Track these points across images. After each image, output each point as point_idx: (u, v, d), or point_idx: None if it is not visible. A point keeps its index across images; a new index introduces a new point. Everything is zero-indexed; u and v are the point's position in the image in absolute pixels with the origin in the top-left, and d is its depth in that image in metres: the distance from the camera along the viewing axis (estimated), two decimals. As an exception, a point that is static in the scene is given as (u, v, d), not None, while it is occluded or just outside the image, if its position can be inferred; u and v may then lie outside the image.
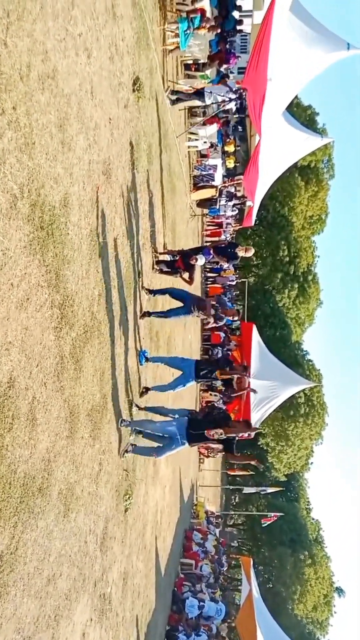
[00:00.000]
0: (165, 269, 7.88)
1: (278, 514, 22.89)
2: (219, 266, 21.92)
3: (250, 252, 9.16)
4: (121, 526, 5.68)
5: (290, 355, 32.76)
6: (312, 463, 42.08)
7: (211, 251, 8.66)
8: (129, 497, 5.93)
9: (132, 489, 6.19)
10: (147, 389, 6.95)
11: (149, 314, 7.14)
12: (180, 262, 7.71)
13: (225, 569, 18.32)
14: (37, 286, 3.28)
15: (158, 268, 7.90)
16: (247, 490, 19.58)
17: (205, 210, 17.45)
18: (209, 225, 20.86)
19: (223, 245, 9.70)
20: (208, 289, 21.41)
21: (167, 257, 8.19)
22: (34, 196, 3.23)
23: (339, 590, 44.78)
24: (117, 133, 5.59)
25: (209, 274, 21.81)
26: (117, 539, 5.47)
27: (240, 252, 9.07)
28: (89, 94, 4.50)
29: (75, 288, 4.06)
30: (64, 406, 3.74)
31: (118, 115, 5.68)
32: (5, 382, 2.83)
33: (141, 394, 6.78)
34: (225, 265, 20.85)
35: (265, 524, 24.66)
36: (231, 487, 37.61)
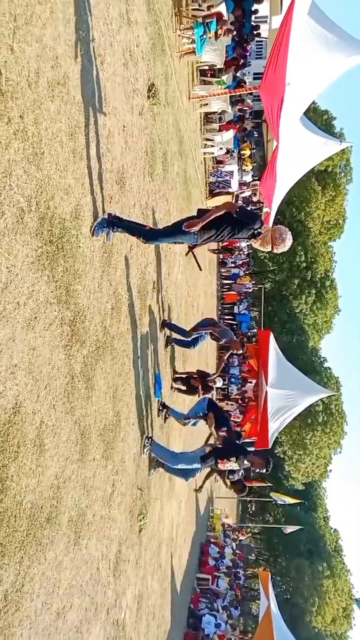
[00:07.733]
0: (182, 388, 7.96)
1: (298, 527, 22.62)
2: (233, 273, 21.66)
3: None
4: (135, 548, 5.47)
5: (307, 362, 32.32)
6: (330, 471, 41.39)
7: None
8: (143, 517, 5.72)
9: (147, 508, 5.98)
10: (164, 408, 6.85)
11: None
12: (198, 382, 7.79)
13: (242, 581, 17.97)
14: (46, 303, 3.10)
15: (175, 387, 7.95)
16: (272, 495, 19.48)
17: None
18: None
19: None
20: (224, 296, 21.15)
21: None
22: (42, 209, 3.06)
23: (359, 602, 43.85)
24: (131, 141, 5.43)
25: (225, 281, 21.57)
26: (130, 561, 5.26)
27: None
28: (102, 101, 4.34)
29: (87, 303, 3.89)
30: (74, 428, 3.56)
31: (132, 123, 5.52)
32: (11, 408, 2.65)
33: (159, 411, 6.64)
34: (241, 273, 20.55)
35: (287, 531, 24.56)
36: (248, 498, 37.09)
